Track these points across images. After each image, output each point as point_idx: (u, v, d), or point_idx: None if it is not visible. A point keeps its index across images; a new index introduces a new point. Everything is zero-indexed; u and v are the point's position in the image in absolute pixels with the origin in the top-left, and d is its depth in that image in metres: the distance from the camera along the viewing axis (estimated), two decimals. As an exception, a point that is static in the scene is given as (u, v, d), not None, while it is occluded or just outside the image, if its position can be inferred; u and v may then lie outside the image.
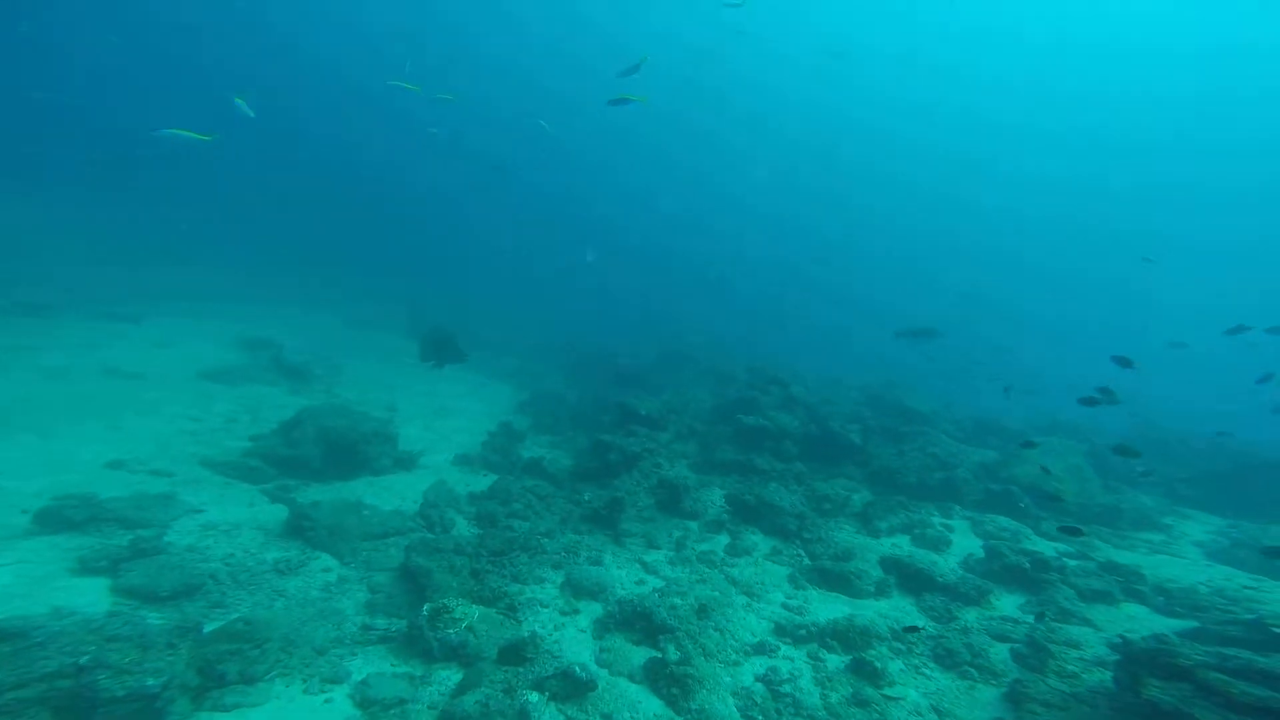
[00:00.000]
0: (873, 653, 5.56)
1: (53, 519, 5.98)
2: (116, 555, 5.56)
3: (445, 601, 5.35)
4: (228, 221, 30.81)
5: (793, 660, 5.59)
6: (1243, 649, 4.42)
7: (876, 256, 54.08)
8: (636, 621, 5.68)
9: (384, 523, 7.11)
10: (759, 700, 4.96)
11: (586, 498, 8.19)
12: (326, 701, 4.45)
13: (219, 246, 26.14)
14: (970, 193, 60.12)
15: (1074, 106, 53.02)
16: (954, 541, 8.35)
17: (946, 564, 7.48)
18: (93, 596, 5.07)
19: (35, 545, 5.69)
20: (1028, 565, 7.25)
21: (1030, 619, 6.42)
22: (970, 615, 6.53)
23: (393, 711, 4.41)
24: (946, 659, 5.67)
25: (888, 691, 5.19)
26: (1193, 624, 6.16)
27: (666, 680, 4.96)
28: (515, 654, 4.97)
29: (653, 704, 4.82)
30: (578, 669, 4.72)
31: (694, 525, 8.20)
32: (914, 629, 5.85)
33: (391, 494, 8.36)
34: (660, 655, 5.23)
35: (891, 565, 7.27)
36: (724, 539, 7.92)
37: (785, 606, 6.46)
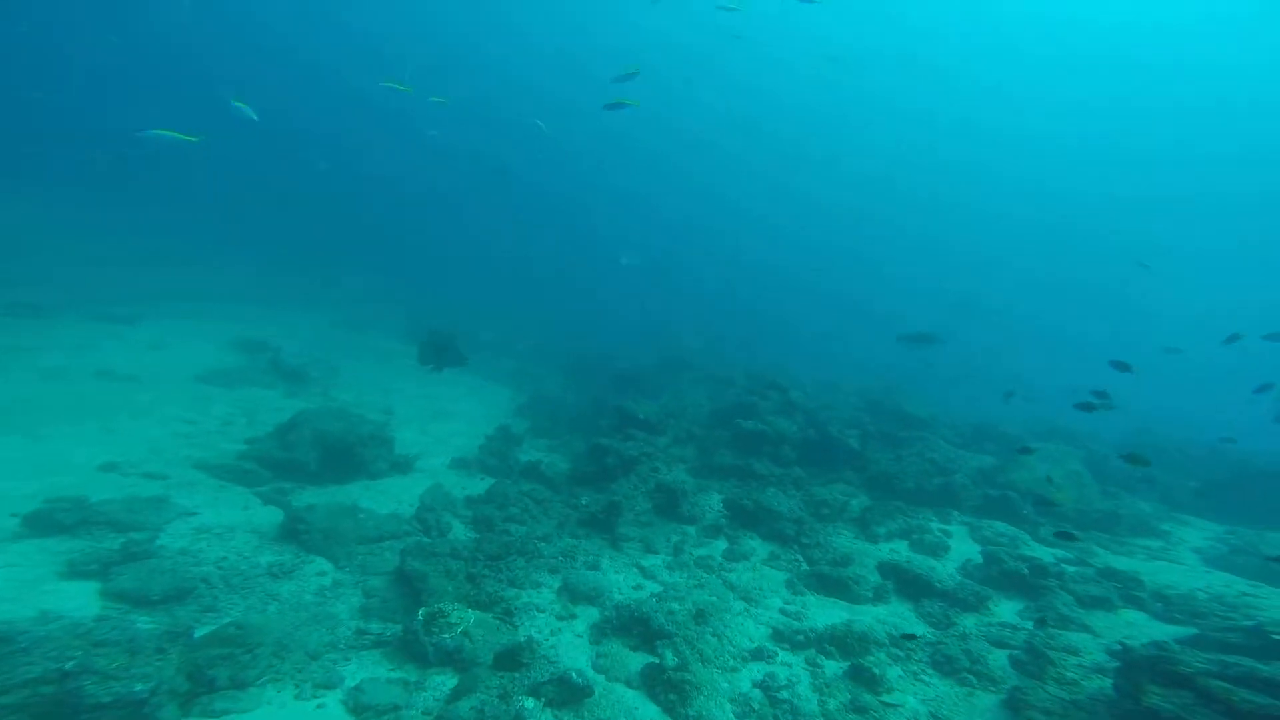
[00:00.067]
0: (871, 659, 5.52)
1: (43, 522, 5.91)
2: (107, 558, 5.49)
3: (441, 606, 5.29)
4: (226, 222, 30.76)
5: (790, 666, 5.54)
6: (1242, 656, 4.39)
7: (875, 262, 54.24)
8: (634, 627, 5.64)
9: (380, 526, 7.05)
10: (756, 707, 4.92)
11: (584, 502, 8.15)
12: (319, 707, 4.39)
13: (217, 248, 26.08)
14: (969, 199, 60.45)
15: (1073, 115, 53.40)
16: (952, 547, 8.32)
17: (945, 569, 7.45)
18: (82, 600, 5.00)
19: (24, 549, 5.62)
20: (1026, 571, 7.22)
21: (1029, 625, 6.39)
22: (969, 621, 6.50)
23: (386, 717, 4.35)
24: (945, 665, 5.63)
25: (886, 698, 5.15)
26: (1192, 630, 6.13)
27: (664, 686, 4.92)
28: (511, 659, 4.92)
29: (650, 710, 4.78)
30: (574, 675, 4.67)
31: (692, 530, 8.15)
32: (911, 637, 5.82)
33: (388, 497, 8.30)
34: (658, 661, 5.18)
35: (890, 571, 7.23)
36: (722, 544, 7.88)
37: (783, 612, 6.42)
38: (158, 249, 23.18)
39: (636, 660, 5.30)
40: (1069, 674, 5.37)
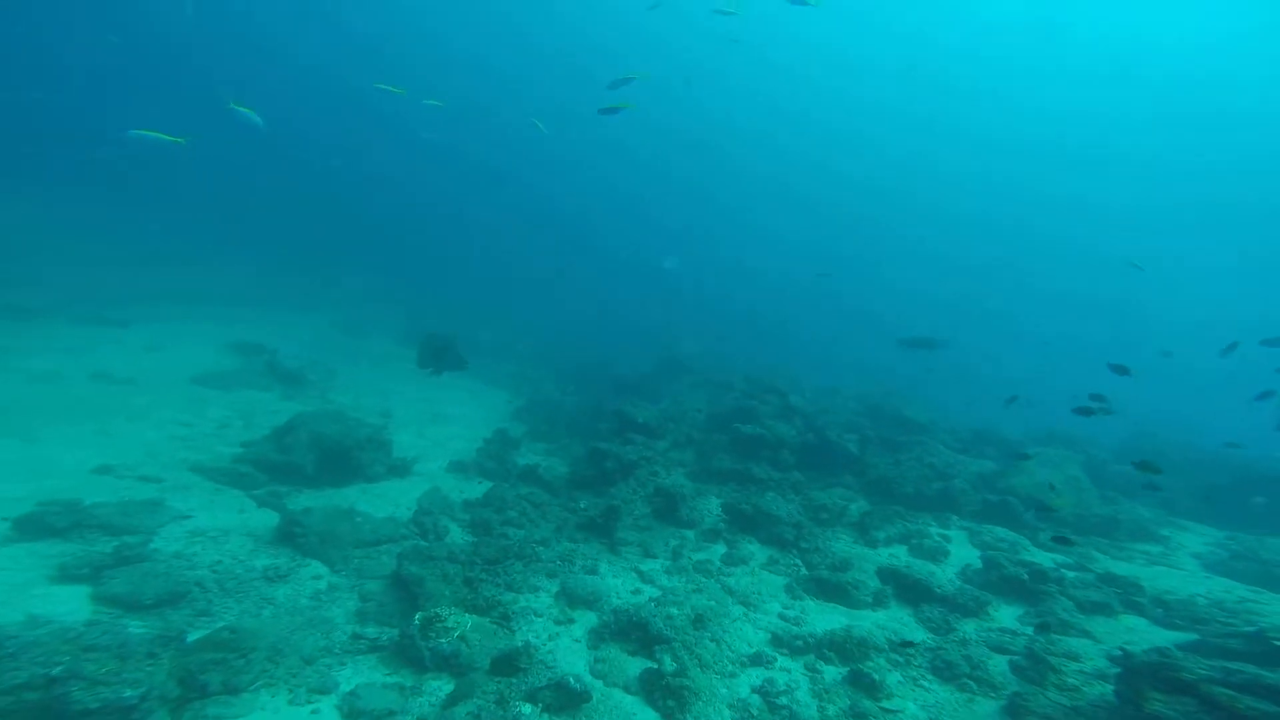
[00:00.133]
0: (870, 664, 5.48)
1: (34, 525, 5.84)
2: (99, 562, 5.42)
3: (438, 610, 5.24)
4: (225, 223, 30.71)
5: (790, 672, 5.50)
6: (1244, 662, 4.36)
7: (875, 266, 54.34)
8: (632, 631, 5.59)
9: (376, 530, 6.99)
10: (755, 713, 4.87)
11: (582, 506, 8.10)
12: (313, 713, 4.33)
13: (216, 248, 26.03)
14: (967, 205, 60.65)
15: (1073, 122, 53.68)
16: (951, 552, 8.29)
17: (944, 575, 7.41)
18: (72, 605, 4.93)
19: (14, 552, 5.55)
20: (1026, 576, 7.19)
21: (1029, 630, 6.35)
22: (968, 627, 6.46)
23: (381, 724, 4.30)
24: (945, 671, 5.59)
25: (886, 704, 5.11)
26: (1192, 636, 6.10)
27: (662, 692, 4.87)
28: (508, 664, 4.87)
29: (648, 716, 4.73)
30: (572, 680, 4.62)
31: (691, 534, 8.11)
32: (910, 644, 5.78)
33: (385, 501, 8.25)
34: (656, 666, 5.13)
35: (889, 575, 7.19)
36: (721, 548, 7.83)
37: (782, 617, 6.38)
38: (156, 250, 23.12)
39: (635, 665, 5.25)
40: (1070, 680, 5.33)
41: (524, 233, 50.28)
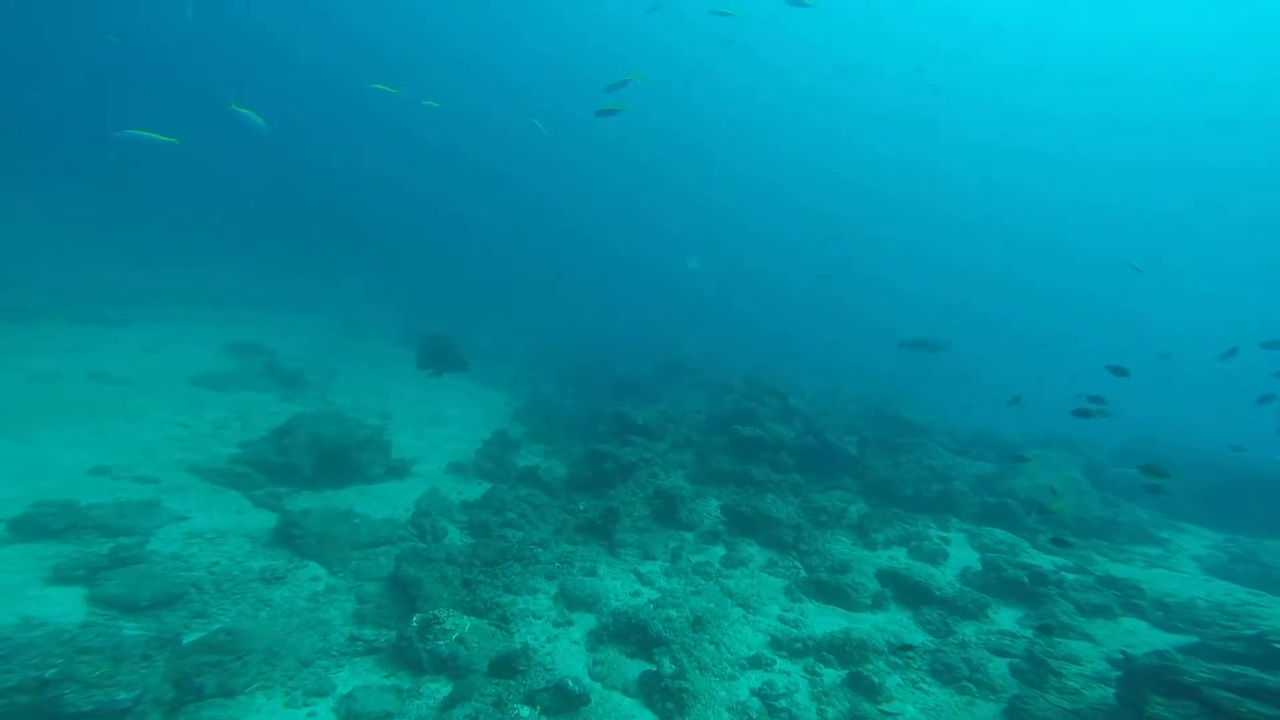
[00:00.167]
0: (870, 667, 5.46)
1: (28, 527, 5.81)
2: (95, 564, 5.39)
3: (436, 612, 5.22)
4: (225, 223, 30.68)
5: (789, 674, 5.47)
6: (1244, 665, 4.34)
7: (874, 269, 54.37)
8: (631, 634, 5.57)
9: (375, 531, 6.97)
10: (754, 716, 4.86)
11: (581, 507, 8.08)
12: (310, 715, 4.31)
13: (216, 248, 25.99)
14: (969, 206, 60.70)
15: (1073, 128, 53.77)
16: (951, 554, 8.27)
17: (944, 577, 7.39)
18: (67, 607, 4.90)
19: (8, 554, 5.52)
20: (1026, 579, 7.17)
21: (1029, 633, 6.33)
22: (968, 629, 6.44)
23: (378, 727, 4.27)
24: (944, 674, 5.57)
25: (885, 707, 5.09)
26: (1193, 639, 6.08)
27: (661, 694, 4.85)
28: (507, 666, 4.84)
29: (647, 719, 4.71)
30: (570, 682, 4.60)
31: (690, 536, 8.09)
32: (909, 648, 5.76)
33: (383, 502, 8.22)
34: (655, 669, 5.11)
35: (888, 578, 7.17)
36: (720, 550, 7.81)
37: (781, 619, 6.36)
38: (155, 250, 23.08)
39: (634, 668, 5.23)
40: (1070, 683, 5.32)
41: (523, 233, 50.31)
